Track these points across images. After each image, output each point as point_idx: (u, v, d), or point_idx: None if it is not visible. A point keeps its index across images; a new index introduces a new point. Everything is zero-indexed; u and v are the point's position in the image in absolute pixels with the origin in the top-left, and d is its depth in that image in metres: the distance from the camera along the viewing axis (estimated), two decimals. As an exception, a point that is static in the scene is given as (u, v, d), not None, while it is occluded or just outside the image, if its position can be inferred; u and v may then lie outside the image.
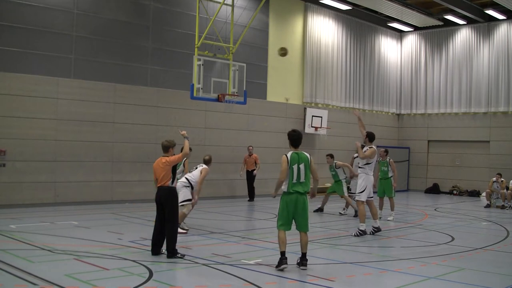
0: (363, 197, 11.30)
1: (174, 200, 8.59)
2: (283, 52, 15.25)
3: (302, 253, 7.90)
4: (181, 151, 8.71)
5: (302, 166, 7.82)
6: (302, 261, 7.85)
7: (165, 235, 8.53)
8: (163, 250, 8.59)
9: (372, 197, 11.58)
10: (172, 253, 8.38)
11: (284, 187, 7.89)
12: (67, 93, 15.27)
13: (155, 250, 8.59)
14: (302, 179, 7.82)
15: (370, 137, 11.46)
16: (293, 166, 7.80)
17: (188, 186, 10.96)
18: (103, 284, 6.76)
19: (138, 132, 16.67)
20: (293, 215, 7.85)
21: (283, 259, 7.75)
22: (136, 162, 16.52)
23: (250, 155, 18.17)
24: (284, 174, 7.81)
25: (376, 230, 11.43)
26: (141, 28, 16.88)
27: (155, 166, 8.67)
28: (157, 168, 8.62)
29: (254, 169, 18.14)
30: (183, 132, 8.96)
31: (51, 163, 14.95)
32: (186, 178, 11.06)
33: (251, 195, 18.35)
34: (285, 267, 7.71)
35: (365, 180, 11.32)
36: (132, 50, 16.65)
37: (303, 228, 7.88)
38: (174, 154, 8.79)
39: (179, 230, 9.66)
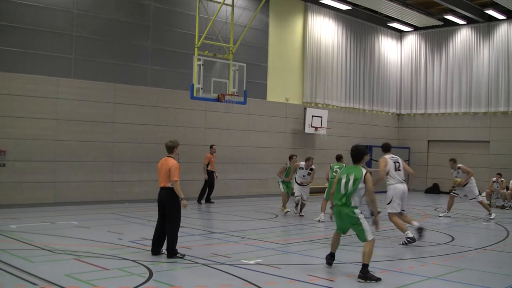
0: (390, 209, 10.62)
1: (175, 200, 8.56)
2: None
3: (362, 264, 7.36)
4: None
5: (344, 177, 7.61)
6: (359, 273, 7.32)
7: (166, 235, 8.52)
8: (163, 250, 8.59)
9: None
10: (172, 253, 8.38)
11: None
12: (67, 93, 15.28)
13: (155, 250, 8.58)
14: (342, 191, 7.61)
15: (384, 148, 10.94)
16: (341, 176, 7.72)
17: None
18: (103, 284, 6.76)
19: (138, 132, 16.67)
20: (343, 224, 7.72)
21: (327, 257, 7.99)
22: (136, 162, 16.52)
23: (213, 154, 16.98)
24: (332, 185, 7.95)
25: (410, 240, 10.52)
26: (141, 28, 16.88)
27: (160, 166, 8.65)
28: (161, 170, 8.60)
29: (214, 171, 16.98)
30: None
31: (51, 163, 14.96)
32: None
33: (208, 197, 17.08)
34: (328, 267, 7.89)
35: (390, 190, 10.64)
36: (132, 50, 16.65)
37: (359, 238, 7.64)
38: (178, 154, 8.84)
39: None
